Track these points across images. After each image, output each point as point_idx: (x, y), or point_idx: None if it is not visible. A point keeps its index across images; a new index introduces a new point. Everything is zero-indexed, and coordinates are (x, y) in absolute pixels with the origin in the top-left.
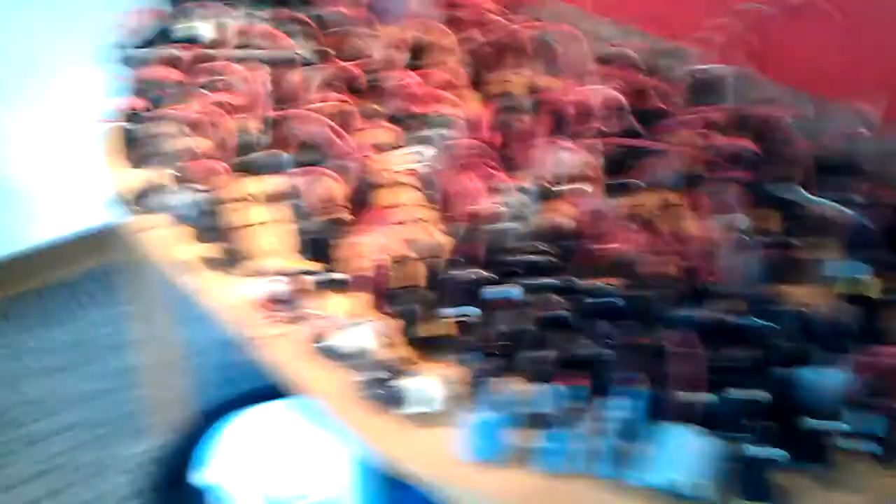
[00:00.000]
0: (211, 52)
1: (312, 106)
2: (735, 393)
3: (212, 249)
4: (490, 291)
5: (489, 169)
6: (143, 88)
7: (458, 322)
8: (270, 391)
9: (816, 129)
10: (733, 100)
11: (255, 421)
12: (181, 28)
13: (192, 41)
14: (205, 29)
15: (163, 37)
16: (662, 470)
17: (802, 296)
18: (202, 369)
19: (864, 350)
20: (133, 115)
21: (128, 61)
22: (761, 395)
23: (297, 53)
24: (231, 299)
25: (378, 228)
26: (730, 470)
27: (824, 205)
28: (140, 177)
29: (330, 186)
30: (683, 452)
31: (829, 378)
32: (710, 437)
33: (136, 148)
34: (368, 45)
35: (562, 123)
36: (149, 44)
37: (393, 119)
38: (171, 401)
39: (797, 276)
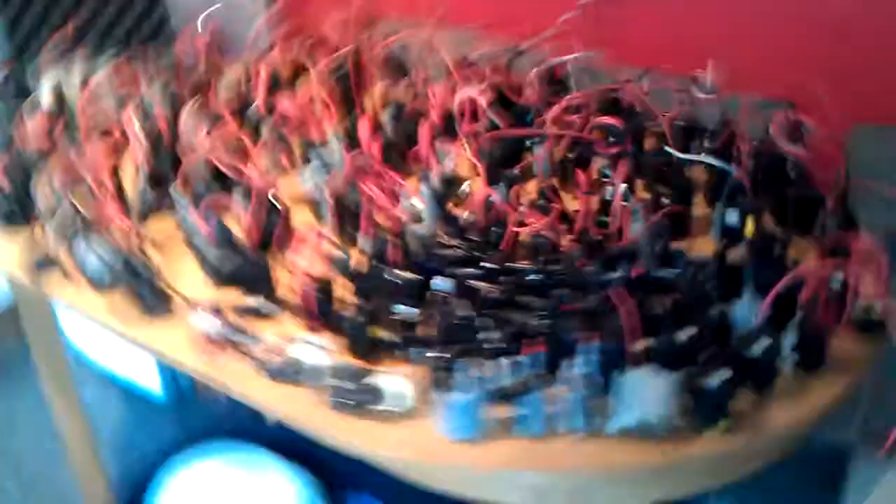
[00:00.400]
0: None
1: (201, 142)
2: (678, 333)
3: (134, 297)
4: (431, 285)
5: (384, 178)
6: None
7: (400, 323)
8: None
9: (667, 100)
10: (590, 85)
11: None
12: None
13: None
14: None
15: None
16: (630, 411)
17: (696, 247)
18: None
19: (761, 280)
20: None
21: None
22: (695, 331)
23: (161, 96)
24: (168, 342)
25: (294, 252)
26: (690, 398)
27: (695, 162)
28: (27, 245)
29: (238, 217)
30: (645, 392)
31: (743, 308)
32: (665, 374)
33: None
34: (229, 80)
35: (439, 127)
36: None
37: (278, 146)
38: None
39: (686, 231)
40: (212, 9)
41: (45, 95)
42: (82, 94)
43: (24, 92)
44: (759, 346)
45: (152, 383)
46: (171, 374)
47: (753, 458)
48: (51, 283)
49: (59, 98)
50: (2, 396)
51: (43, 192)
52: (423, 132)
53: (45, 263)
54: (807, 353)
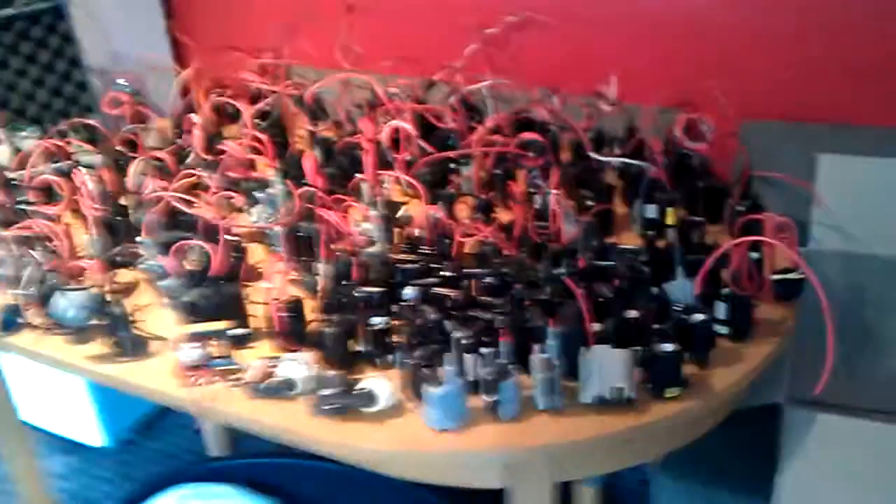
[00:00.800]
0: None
1: (152, 193)
2: (626, 313)
3: (112, 342)
4: (401, 295)
5: (331, 208)
6: None
7: (374, 333)
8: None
9: (575, 115)
10: (501, 107)
11: None
12: None
13: None
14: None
15: None
16: (595, 385)
17: (622, 240)
18: None
19: (688, 262)
20: None
21: None
22: (636, 312)
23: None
24: (152, 378)
25: (260, 281)
26: (635, 370)
27: (614, 165)
28: None
29: (202, 255)
30: (606, 367)
31: (677, 288)
32: (620, 350)
33: None
34: (157, 133)
35: (374, 155)
36: None
37: (226, 188)
38: None
39: (611, 227)
40: (126, 73)
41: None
42: (13, 163)
43: None
44: (696, 319)
45: (91, 434)
46: (111, 422)
47: (704, 419)
48: (22, 340)
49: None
50: None
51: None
52: (367, 162)
53: (11, 323)
54: (736, 322)
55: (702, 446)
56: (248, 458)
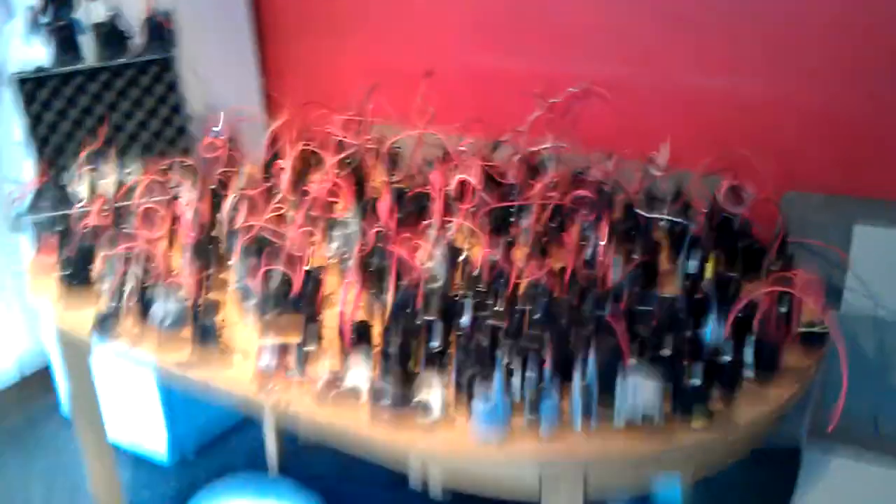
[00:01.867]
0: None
1: (246, 223)
2: (661, 350)
3: (200, 345)
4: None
5: (400, 245)
6: (67, 241)
7: (429, 354)
8: None
9: (628, 177)
10: (560, 168)
11: None
12: (79, 188)
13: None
14: (105, 186)
15: (60, 197)
16: (628, 408)
17: (666, 290)
18: None
19: (722, 310)
20: (69, 263)
21: (40, 223)
22: (669, 350)
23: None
24: (233, 380)
25: (334, 303)
26: (665, 399)
27: (661, 222)
28: (91, 309)
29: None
30: (639, 393)
31: (710, 331)
32: (646, 379)
33: (80, 290)
34: (248, 173)
35: (442, 203)
36: (52, 205)
37: (309, 222)
38: None
39: (654, 279)
40: (223, 119)
41: (87, 196)
42: (121, 192)
43: (64, 196)
44: (725, 358)
45: (158, 450)
46: (178, 440)
47: (726, 452)
48: (118, 337)
49: (96, 197)
50: (16, 465)
51: (101, 269)
52: (436, 208)
53: (108, 321)
54: (762, 366)
55: (722, 486)
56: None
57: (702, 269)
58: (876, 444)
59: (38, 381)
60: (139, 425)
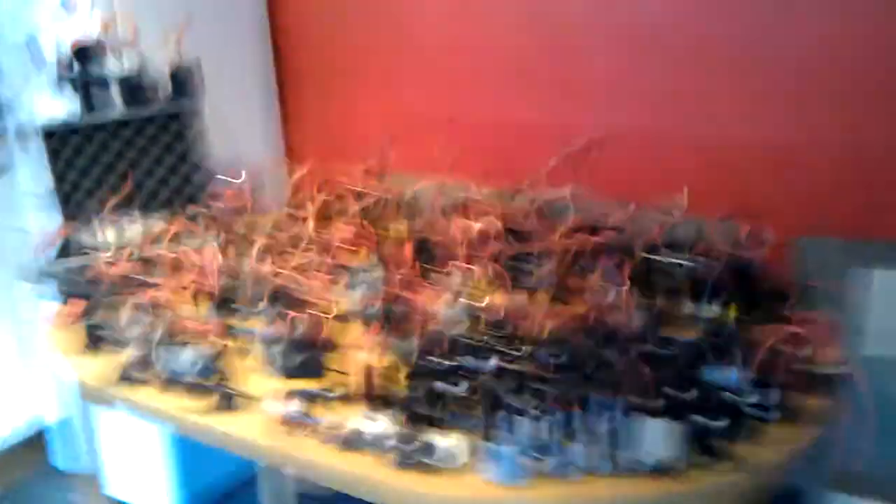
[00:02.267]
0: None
1: (271, 272)
2: (686, 394)
3: (216, 396)
4: (474, 364)
5: (426, 291)
6: (82, 292)
7: (452, 398)
8: None
9: (646, 224)
10: (580, 214)
11: None
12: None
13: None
14: (131, 234)
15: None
16: (651, 453)
17: (687, 335)
18: None
19: (743, 353)
20: (87, 313)
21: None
22: (692, 393)
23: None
24: (248, 430)
25: (355, 349)
26: (688, 443)
27: (680, 267)
28: (115, 361)
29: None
30: (662, 438)
31: (731, 373)
32: (668, 424)
33: (97, 341)
34: (267, 224)
35: (466, 250)
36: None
37: (332, 271)
38: None
39: (674, 322)
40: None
41: (110, 247)
42: (144, 243)
43: (80, 249)
44: (745, 402)
45: None
46: (187, 496)
47: (747, 494)
48: (140, 395)
49: (120, 249)
50: None
51: (126, 319)
52: (459, 255)
53: (130, 377)
54: (785, 406)
55: None
56: None
57: (722, 313)
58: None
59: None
60: (145, 485)
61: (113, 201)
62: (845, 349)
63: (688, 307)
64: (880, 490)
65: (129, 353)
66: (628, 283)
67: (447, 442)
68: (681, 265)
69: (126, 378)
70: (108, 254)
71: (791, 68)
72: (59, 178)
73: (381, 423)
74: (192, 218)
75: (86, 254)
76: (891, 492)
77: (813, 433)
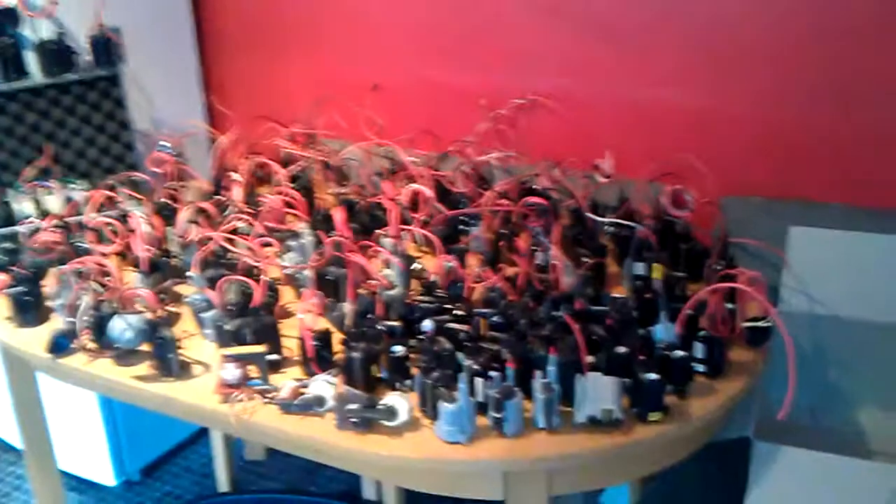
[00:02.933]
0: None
1: (201, 235)
2: (616, 349)
3: (158, 363)
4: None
5: (358, 253)
6: (16, 259)
7: (393, 360)
8: None
9: (573, 185)
10: (507, 178)
11: None
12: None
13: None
14: (52, 203)
15: (6, 215)
16: (588, 407)
17: (615, 292)
18: None
19: (671, 310)
20: (20, 280)
21: None
22: (624, 348)
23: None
24: (195, 395)
25: (290, 314)
26: (628, 395)
27: (607, 227)
28: (43, 330)
29: (239, 291)
30: (598, 392)
31: (660, 330)
32: (605, 378)
33: (32, 310)
34: (197, 189)
35: (397, 213)
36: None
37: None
38: None
39: (603, 281)
40: (168, 136)
41: (31, 217)
42: (67, 212)
43: (10, 214)
44: (677, 356)
45: (103, 474)
46: (122, 462)
47: (682, 443)
48: (74, 362)
49: (44, 215)
50: None
51: (57, 285)
52: (391, 218)
53: (64, 346)
54: (712, 360)
55: (676, 481)
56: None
57: (648, 270)
58: (817, 434)
59: None
60: (82, 449)
61: (31, 171)
62: (769, 304)
63: (615, 266)
64: (803, 438)
65: (57, 322)
66: (558, 244)
67: (387, 401)
68: (609, 225)
69: (57, 345)
70: (31, 223)
71: (714, 37)
72: None
73: (320, 385)
74: (118, 184)
75: (9, 219)
76: (813, 440)
77: (741, 383)
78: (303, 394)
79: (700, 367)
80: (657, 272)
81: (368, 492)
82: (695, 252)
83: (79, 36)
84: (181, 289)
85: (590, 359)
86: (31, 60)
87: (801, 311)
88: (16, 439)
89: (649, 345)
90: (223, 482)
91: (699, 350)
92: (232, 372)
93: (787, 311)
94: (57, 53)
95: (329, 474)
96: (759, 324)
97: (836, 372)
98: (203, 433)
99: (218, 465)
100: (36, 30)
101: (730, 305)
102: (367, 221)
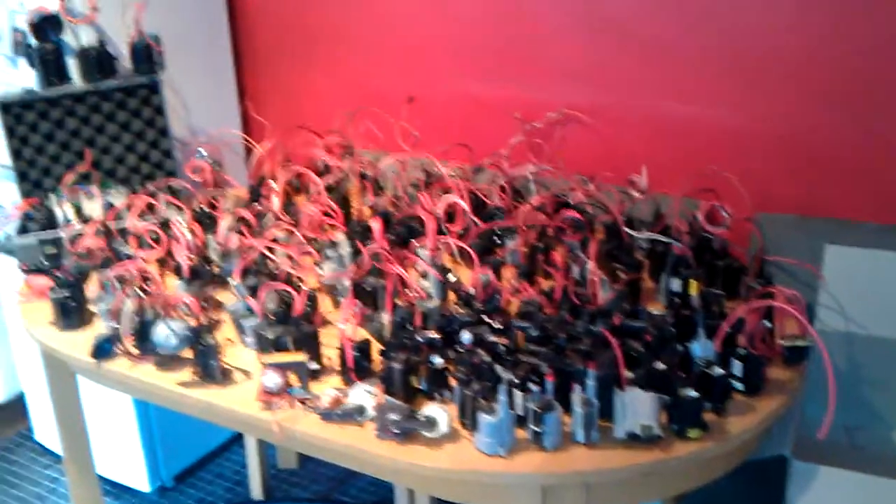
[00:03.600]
0: (110, 223)
1: (246, 244)
2: (655, 364)
3: (200, 368)
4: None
5: (396, 264)
6: (59, 264)
7: (432, 371)
8: None
9: (608, 200)
10: (542, 191)
11: None
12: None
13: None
14: (92, 209)
15: (48, 220)
16: (627, 422)
17: (650, 305)
18: None
19: (708, 326)
20: (63, 286)
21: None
22: (663, 364)
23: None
24: (234, 400)
25: (334, 322)
26: (669, 412)
27: (642, 242)
28: (95, 333)
29: (279, 300)
30: (637, 407)
31: (698, 347)
32: (644, 394)
33: (75, 314)
34: (236, 198)
35: (434, 224)
36: (41, 228)
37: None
38: None
39: (639, 297)
40: (205, 146)
41: (71, 223)
42: (107, 217)
43: (52, 219)
44: (716, 373)
45: (138, 479)
46: (157, 468)
47: (720, 461)
48: (117, 366)
49: (85, 220)
50: None
51: (100, 290)
52: (428, 229)
53: (107, 351)
54: (750, 378)
55: (712, 499)
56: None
57: (685, 287)
58: (855, 454)
59: (11, 410)
60: (118, 454)
61: (72, 176)
62: (807, 323)
63: (650, 286)
64: (841, 458)
65: (100, 326)
66: (594, 258)
67: (426, 412)
68: (646, 240)
69: (101, 349)
70: (72, 229)
71: (749, 53)
72: (17, 153)
73: (360, 395)
74: (157, 190)
75: (51, 225)
76: (851, 459)
77: (780, 401)
78: (343, 403)
79: (738, 385)
80: (694, 288)
81: (401, 502)
82: (731, 269)
83: (119, 42)
84: (222, 296)
85: (628, 374)
86: (73, 66)
87: (838, 330)
88: (51, 442)
89: (687, 361)
90: (256, 490)
91: (737, 368)
92: (273, 379)
93: (822, 329)
94: (98, 60)
95: (361, 484)
96: (798, 342)
97: (873, 391)
98: (236, 441)
99: (251, 472)
100: (77, 36)
101: (767, 323)
102: (403, 232)
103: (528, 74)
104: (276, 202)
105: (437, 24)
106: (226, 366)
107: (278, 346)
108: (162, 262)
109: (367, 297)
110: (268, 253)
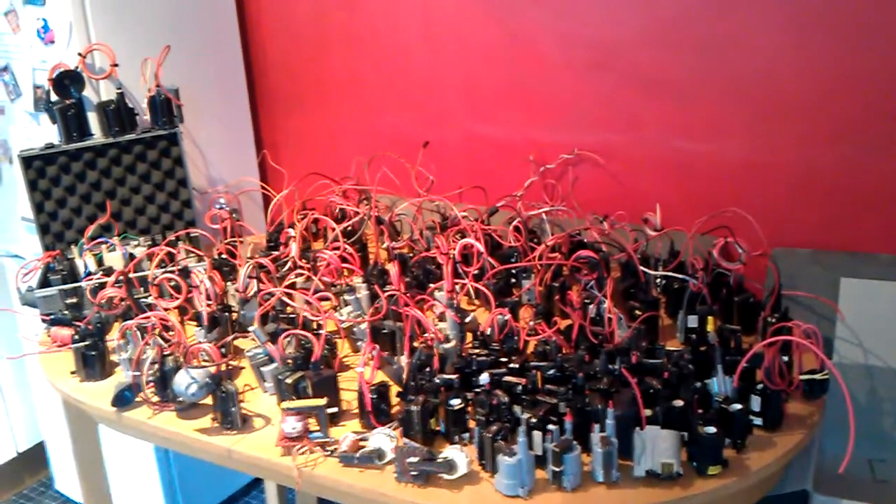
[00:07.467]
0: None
1: (261, 290)
2: (674, 402)
3: (220, 415)
4: (476, 381)
5: (413, 307)
6: (77, 315)
7: (451, 412)
8: None
9: (622, 238)
10: (557, 231)
11: None
12: (87, 261)
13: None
14: (113, 260)
15: (69, 271)
16: (647, 460)
17: (668, 345)
18: None
19: (726, 362)
20: (85, 337)
21: (51, 297)
22: (681, 402)
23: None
24: (255, 446)
25: (353, 366)
26: (686, 449)
27: (657, 279)
28: (116, 383)
29: (298, 345)
30: (656, 445)
31: (716, 384)
32: (663, 431)
33: (96, 364)
34: (253, 245)
35: (451, 266)
36: (62, 279)
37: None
38: None
39: (656, 334)
40: (224, 195)
41: (92, 273)
42: (128, 268)
43: (73, 270)
44: (734, 409)
45: None
46: None
47: (739, 498)
48: (138, 414)
49: (106, 271)
50: None
51: (121, 340)
52: (446, 272)
53: (129, 400)
54: (769, 413)
55: None
56: None
57: (701, 323)
58: (875, 487)
59: (32, 459)
60: (138, 501)
61: (93, 228)
62: (825, 357)
63: (667, 322)
64: (861, 491)
65: (121, 376)
66: (611, 297)
67: (446, 454)
68: (662, 278)
69: (121, 400)
70: (93, 280)
71: (758, 89)
72: (39, 206)
73: (379, 438)
74: (175, 243)
75: (72, 276)
76: (872, 493)
77: (799, 436)
78: (363, 447)
79: (757, 421)
80: (711, 325)
81: None
82: (747, 304)
83: (139, 96)
84: (241, 342)
85: (647, 412)
86: (93, 120)
87: (856, 362)
88: (72, 491)
89: (706, 398)
90: None
91: (756, 403)
92: (293, 425)
93: (840, 362)
94: (117, 114)
95: None
96: (817, 376)
97: (893, 424)
98: (254, 485)
99: None
100: (97, 91)
101: (785, 358)
102: (420, 275)
103: (540, 116)
104: (294, 248)
105: (450, 68)
106: (246, 412)
107: (297, 392)
108: (182, 311)
109: (385, 340)
110: (286, 299)
